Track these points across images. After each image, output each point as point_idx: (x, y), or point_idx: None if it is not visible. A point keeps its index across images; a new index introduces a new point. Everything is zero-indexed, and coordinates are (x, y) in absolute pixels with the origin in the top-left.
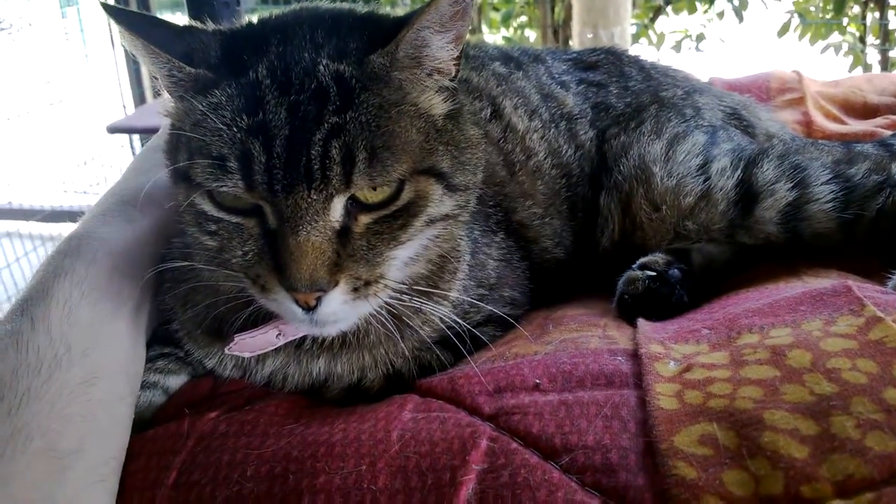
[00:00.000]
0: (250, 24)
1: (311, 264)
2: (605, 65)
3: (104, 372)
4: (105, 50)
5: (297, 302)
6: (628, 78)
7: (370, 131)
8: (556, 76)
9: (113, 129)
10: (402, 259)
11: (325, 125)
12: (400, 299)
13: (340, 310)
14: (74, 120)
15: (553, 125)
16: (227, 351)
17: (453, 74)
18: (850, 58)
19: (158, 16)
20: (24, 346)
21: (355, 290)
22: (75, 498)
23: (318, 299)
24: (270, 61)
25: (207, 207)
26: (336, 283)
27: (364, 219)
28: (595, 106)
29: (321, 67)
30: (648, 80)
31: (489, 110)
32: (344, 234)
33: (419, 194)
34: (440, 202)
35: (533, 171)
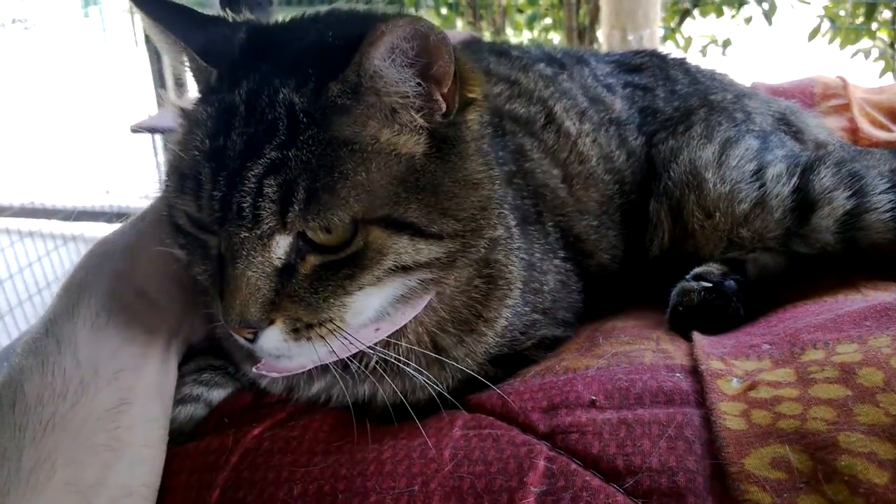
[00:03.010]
0: (273, 25)
1: (243, 301)
2: (651, 67)
3: (135, 396)
4: (128, 49)
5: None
6: (675, 81)
7: (312, 171)
8: (602, 79)
9: (136, 129)
10: (366, 306)
11: (263, 161)
12: (442, 329)
13: (283, 347)
14: (96, 120)
15: (603, 129)
16: (254, 370)
17: (443, 111)
18: (881, 63)
19: None
20: (51, 370)
21: (295, 330)
22: None
23: (255, 334)
24: (254, 81)
25: (181, 220)
26: (271, 322)
27: (312, 260)
28: (642, 110)
29: (280, 96)
30: (696, 83)
31: (542, 116)
32: (287, 272)
33: (371, 246)
34: (411, 252)
35: (586, 178)
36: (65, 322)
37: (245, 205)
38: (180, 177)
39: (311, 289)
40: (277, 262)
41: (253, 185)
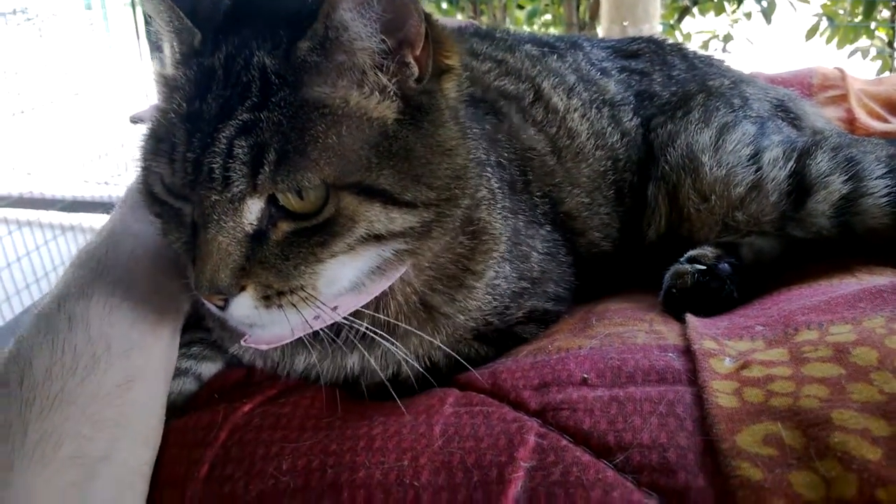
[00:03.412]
0: None
1: (213, 266)
2: (647, 53)
3: (143, 373)
4: (129, 40)
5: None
6: (672, 66)
7: (283, 133)
8: (596, 63)
9: (136, 119)
10: (338, 275)
11: (235, 123)
12: (430, 288)
13: (254, 314)
14: (96, 110)
15: (594, 107)
16: (242, 343)
17: (416, 76)
18: (879, 62)
19: None
20: (61, 345)
21: (266, 297)
22: None
23: (225, 301)
24: (232, 45)
25: (157, 188)
26: (242, 289)
27: (284, 227)
28: (638, 94)
29: (255, 59)
30: (693, 69)
31: (531, 93)
32: (258, 238)
33: (342, 212)
34: (384, 220)
35: (577, 153)
36: (78, 299)
37: (215, 166)
38: (156, 140)
39: (283, 255)
40: (249, 228)
41: (224, 147)
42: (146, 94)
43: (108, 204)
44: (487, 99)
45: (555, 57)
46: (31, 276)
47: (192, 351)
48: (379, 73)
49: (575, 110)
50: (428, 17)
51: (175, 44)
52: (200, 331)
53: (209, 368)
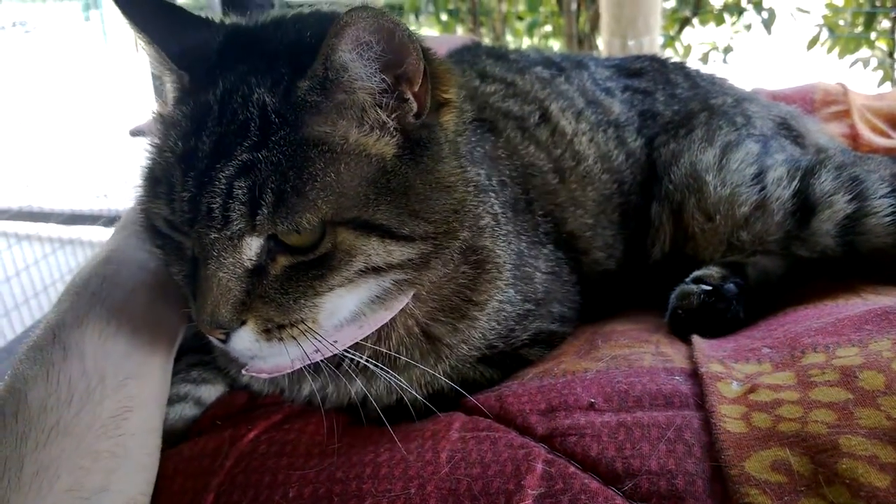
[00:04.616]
0: (254, 26)
1: (214, 301)
2: (650, 72)
3: (138, 404)
4: (128, 54)
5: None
6: (675, 85)
7: (281, 173)
8: (601, 82)
9: (136, 132)
10: (338, 307)
11: (234, 163)
12: (433, 319)
13: (255, 347)
14: (95, 123)
15: (601, 129)
16: (244, 372)
17: (415, 111)
18: (880, 73)
19: None
20: (56, 377)
21: (267, 331)
22: None
23: (227, 335)
24: (230, 82)
25: (158, 222)
26: (242, 323)
27: (283, 261)
28: (642, 113)
29: (254, 97)
30: (696, 87)
31: (537, 114)
32: (258, 273)
33: (339, 247)
34: (382, 253)
35: (583, 177)
36: (73, 329)
37: (215, 206)
38: (153, 181)
39: (282, 290)
40: (248, 264)
41: (223, 187)
42: (144, 108)
43: (106, 217)
44: (486, 118)
45: (562, 79)
46: (31, 290)
47: (192, 375)
48: (378, 110)
49: (583, 134)
50: (426, 53)
51: (170, 83)
52: (200, 353)
53: (209, 392)
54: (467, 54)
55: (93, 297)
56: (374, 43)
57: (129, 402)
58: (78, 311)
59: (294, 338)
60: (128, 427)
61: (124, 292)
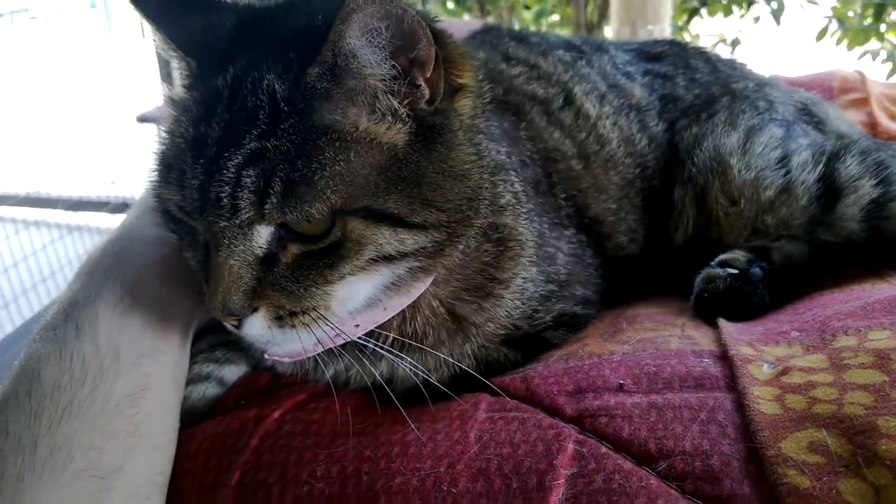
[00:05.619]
0: (265, 8)
1: (225, 289)
2: (670, 56)
3: (153, 382)
4: (134, 40)
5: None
6: (695, 69)
7: (290, 161)
8: (621, 66)
9: (143, 119)
10: (351, 294)
11: (243, 151)
12: (458, 298)
13: (267, 333)
14: (102, 110)
15: (623, 113)
16: (266, 356)
17: (427, 98)
18: (889, 65)
19: None
20: (69, 356)
21: (279, 318)
22: None
23: (239, 321)
24: (240, 67)
25: (171, 207)
26: (254, 310)
27: (294, 249)
28: (662, 97)
29: (265, 83)
30: (716, 71)
31: (561, 97)
32: (269, 260)
33: (349, 236)
34: (394, 242)
35: (606, 161)
36: (85, 307)
37: (223, 194)
38: (166, 166)
39: (293, 277)
40: (259, 252)
41: (232, 175)
42: (151, 94)
43: (113, 203)
44: (511, 101)
45: (583, 62)
46: (38, 275)
47: (215, 355)
48: (390, 97)
49: (607, 117)
50: (438, 38)
51: (179, 68)
52: (222, 332)
53: (232, 371)
54: (489, 36)
55: (105, 274)
56: (382, 29)
57: (145, 380)
58: (90, 289)
59: (306, 325)
60: (143, 406)
61: (137, 269)
